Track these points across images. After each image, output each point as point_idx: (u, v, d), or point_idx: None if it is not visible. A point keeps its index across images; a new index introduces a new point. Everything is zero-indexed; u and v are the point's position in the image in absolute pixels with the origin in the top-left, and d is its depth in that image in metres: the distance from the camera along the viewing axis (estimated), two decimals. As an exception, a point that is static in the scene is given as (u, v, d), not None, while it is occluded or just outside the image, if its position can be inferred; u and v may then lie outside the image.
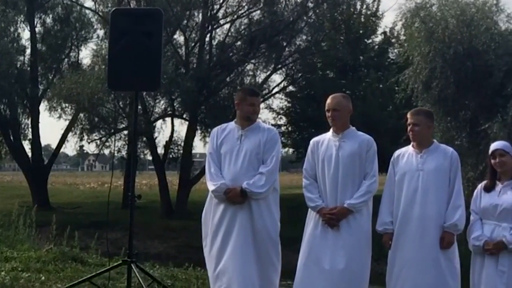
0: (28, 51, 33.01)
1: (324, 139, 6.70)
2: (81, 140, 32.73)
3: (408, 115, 6.61)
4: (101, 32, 33.17)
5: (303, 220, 6.70)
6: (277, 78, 34.65)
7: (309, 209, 6.66)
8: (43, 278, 8.58)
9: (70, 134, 33.15)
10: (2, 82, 28.83)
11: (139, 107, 27.57)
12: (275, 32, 29.39)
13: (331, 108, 6.61)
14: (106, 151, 36.79)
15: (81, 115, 31.50)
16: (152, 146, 31.71)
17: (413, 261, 6.32)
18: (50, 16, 33.56)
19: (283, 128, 35.98)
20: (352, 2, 32.77)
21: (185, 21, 30.14)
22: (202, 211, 6.81)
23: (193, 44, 30.87)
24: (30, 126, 33.39)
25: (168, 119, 32.45)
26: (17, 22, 32.39)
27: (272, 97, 34.31)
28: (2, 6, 30.68)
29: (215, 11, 30.21)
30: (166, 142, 32.40)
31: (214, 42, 31.05)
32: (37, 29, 33.14)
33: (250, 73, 32.08)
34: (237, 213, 6.52)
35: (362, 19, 34.83)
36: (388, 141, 25.16)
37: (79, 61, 33.89)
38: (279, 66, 31.98)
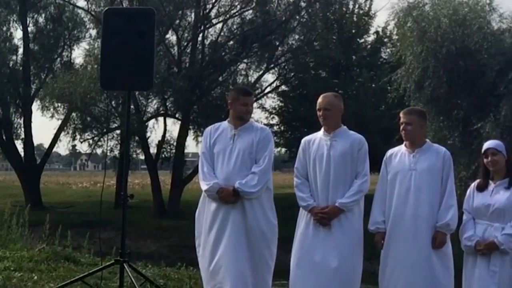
0: (21, 50, 33.10)
1: (315, 138, 6.69)
2: (74, 139, 32.73)
3: (401, 115, 6.60)
4: (93, 32, 33.27)
5: (295, 219, 6.70)
6: (269, 77, 34.79)
7: (301, 209, 6.65)
8: (35, 277, 8.56)
9: (62, 133, 33.18)
10: (-6, 82, 28.86)
11: (132, 106, 27.50)
12: (267, 32, 29.41)
13: (322, 107, 6.60)
14: (99, 151, 36.89)
15: (74, 114, 31.49)
16: (145, 145, 31.71)
17: (405, 261, 6.32)
18: (43, 15, 33.58)
19: (275, 128, 35.92)
20: (345, 1, 32.87)
21: (177, 21, 30.15)
22: (195, 211, 6.80)
23: (185, 44, 30.88)
24: (22, 125, 33.40)
25: (161, 119, 32.48)
26: (10, 21, 32.44)
27: (264, 97, 34.37)
28: (-5, 5, 30.69)
29: (207, 10, 30.25)
30: (159, 141, 32.42)
31: (207, 42, 31.12)
32: (29, 29, 33.15)
33: (243, 72, 32.18)
34: (230, 212, 6.51)
35: (355, 19, 34.86)
36: (380, 140, 25.21)
37: (72, 61, 33.93)
38: (272, 65, 32.02)
